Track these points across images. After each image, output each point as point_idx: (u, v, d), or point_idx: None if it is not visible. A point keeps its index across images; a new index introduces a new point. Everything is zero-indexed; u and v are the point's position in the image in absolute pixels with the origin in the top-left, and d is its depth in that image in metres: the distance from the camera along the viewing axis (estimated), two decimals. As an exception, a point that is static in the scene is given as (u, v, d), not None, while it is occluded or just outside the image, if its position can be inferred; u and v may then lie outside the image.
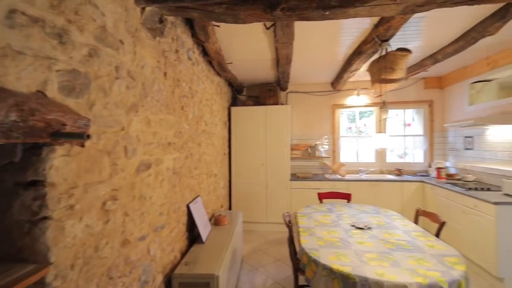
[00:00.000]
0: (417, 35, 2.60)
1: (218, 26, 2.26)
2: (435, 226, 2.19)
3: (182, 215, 2.11)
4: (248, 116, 4.25)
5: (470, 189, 3.01)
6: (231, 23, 1.63)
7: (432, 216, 2.25)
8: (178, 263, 1.94)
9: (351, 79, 4.18)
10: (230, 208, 4.29)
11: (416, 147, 4.55)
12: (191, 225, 2.29)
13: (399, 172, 4.26)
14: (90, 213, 1.07)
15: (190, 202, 2.27)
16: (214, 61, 2.87)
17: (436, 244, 1.83)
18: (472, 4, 1.43)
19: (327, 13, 1.44)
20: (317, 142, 4.60)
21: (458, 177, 3.71)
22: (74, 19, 1.00)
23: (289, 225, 2.18)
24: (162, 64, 1.77)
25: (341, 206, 2.90)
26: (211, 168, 3.11)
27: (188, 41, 2.30)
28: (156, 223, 1.65)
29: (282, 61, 2.94)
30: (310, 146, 4.53)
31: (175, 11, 1.61)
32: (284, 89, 4.53)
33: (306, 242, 1.89)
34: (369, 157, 4.64)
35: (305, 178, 4.14)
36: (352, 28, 2.43)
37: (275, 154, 4.18)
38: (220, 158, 3.68)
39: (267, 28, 2.20)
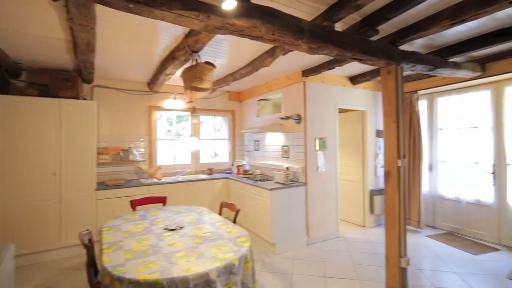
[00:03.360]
0: (223, 54, 3.05)
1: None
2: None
3: None
4: (31, 110, 3.15)
5: (257, 180, 3.94)
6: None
7: (231, 206, 2.71)
8: None
9: (168, 83, 4.22)
10: (-7, 241, 2.95)
11: (224, 149, 5.36)
12: None
13: (210, 171, 4.81)
14: None
15: None
16: (-46, 21, 1.86)
17: (233, 229, 2.22)
18: (253, 40, 1.86)
19: (131, 5, 1.34)
20: (131, 145, 4.23)
21: (250, 172, 4.76)
22: None
23: (88, 244, 1.82)
24: None
25: (156, 210, 2.83)
26: None
27: None
28: None
29: (81, 47, 2.42)
30: (122, 150, 4.07)
31: None
32: (88, 81, 3.77)
33: (109, 260, 1.65)
34: (185, 159, 4.89)
35: (116, 186, 3.66)
36: (167, 32, 2.45)
37: (73, 160, 3.37)
38: (-29, 169, 2.44)
39: (54, 0, 1.72)
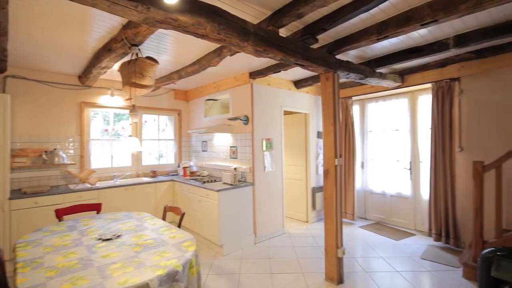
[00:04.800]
0: (167, 50, 2.89)
1: None
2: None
3: None
4: None
5: (204, 182, 3.86)
6: None
7: (175, 210, 2.58)
8: None
9: (104, 77, 3.83)
10: None
11: (169, 150, 5.10)
12: None
13: (154, 174, 4.52)
14: None
15: None
16: None
17: (177, 234, 2.11)
18: (199, 38, 1.80)
19: (53, -14, 1.17)
20: (58, 146, 3.70)
21: (198, 174, 4.63)
22: None
23: (-4, 265, 1.52)
24: None
25: (88, 219, 2.53)
26: None
27: None
28: None
29: (-12, 29, 2.02)
30: (46, 151, 3.53)
31: None
32: (0, 70, 3.17)
33: (25, 281, 1.40)
34: (126, 161, 4.49)
35: (37, 193, 3.15)
36: (102, 21, 2.21)
37: (-22, 164, 2.79)
38: None
39: None
